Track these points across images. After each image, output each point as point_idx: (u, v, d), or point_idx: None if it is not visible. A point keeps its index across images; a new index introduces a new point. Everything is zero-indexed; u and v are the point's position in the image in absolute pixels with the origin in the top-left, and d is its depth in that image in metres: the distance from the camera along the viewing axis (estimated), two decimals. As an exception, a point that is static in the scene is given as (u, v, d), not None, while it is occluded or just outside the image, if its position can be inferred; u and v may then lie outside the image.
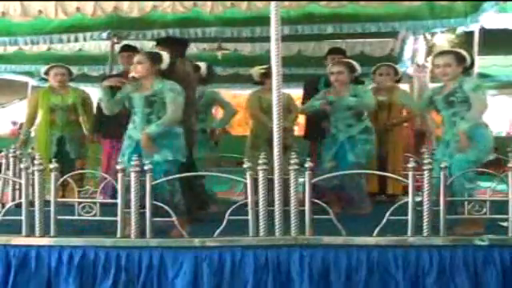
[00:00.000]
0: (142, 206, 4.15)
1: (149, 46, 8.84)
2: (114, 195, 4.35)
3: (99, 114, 6.26)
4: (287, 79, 6.26)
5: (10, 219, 4.30)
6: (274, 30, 4.24)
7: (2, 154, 5.93)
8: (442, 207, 4.15)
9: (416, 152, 6.15)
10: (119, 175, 4.17)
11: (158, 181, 4.27)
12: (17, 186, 5.24)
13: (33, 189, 4.22)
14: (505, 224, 4.21)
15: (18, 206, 4.34)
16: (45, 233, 4.19)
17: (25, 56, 9.05)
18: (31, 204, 4.21)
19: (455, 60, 4.69)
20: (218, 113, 7.64)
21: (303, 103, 6.63)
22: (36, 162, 4.22)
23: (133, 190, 4.13)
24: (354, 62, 5.97)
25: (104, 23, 6.97)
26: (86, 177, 6.30)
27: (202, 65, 6.15)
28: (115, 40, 7.30)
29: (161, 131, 4.58)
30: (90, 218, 4.28)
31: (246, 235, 4.14)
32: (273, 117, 4.25)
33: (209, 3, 6.16)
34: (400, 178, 4.78)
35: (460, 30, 7.11)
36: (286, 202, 4.16)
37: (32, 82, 10.56)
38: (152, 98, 4.68)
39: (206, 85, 6.22)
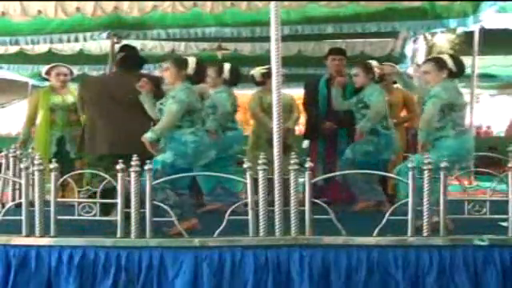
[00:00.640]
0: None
1: (149, 45, 8.90)
2: None
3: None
4: (287, 79, 6.30)
5: (10, 219, 4.30)
6: (273, 30, 4.24)
7: (2, 154, 5.93)
8: (441, 207, 4.15)
9: (416, 152, 6.14)
10: (119, 175, 4.17)
11: (157, 181, 4.27)
12: (17, 186, 5.25)
13: (33, 189, 4.22)
14: (505, 224, 4.21)
15: (18, 206, 4.34)
16: (45, 233, 4.19)
17: (25, 56, 9.05)
18: (31, 204, 4.20)
19: (435, 67, 4.77)
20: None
21: (304, 103, 6.65)
22: (36, 161, 4.22)
23: (133, 189, 4.13)
24: (373, 63, 5.98)
25: (104, 23, 6.97)
26: (85, 177, 6.29)
27: (226, 66, 6.10)
28: (115, 40, 7.30)
29: (155, 137, 4.63)
30: (89, 218, 4.28)
31: (245, 235, 4.13)
32: (273, 117, 4.25)
33: (209, 3, 6.16)
34: (400, 178, 4.77)
35: (460, 30, 7.11)
36: (285, 201, 4.16)
37: (32, 81, 10.56)
38: (160, 106, 4.72)
39: (230, 86, 6.16)
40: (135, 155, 4.18)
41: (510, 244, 4.12)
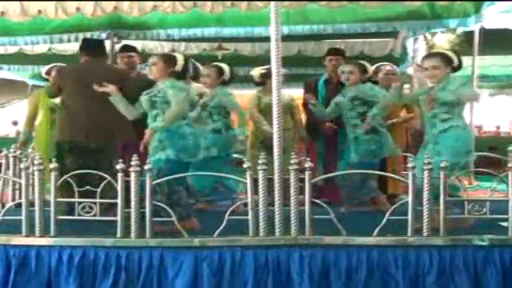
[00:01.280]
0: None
1: (149, 45, 8.90)
2: None
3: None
4: (288, 79, 6.31)
5: (10, 219, 4.30)
6: (274, 30, 4.24)
7: (2, 154, 5.93)
8: (441, 207, 4.14)
9: (416, 152, 6.15)
10: (119, 175, 4.16)
11: (157, 181, 4.27)
12: (17, 186, 5.24)
13: (33, 189, 4.21)
14: (505, 224, 4.20)
15: (18, 205, 4.34)
16: (45, 233, 4.18)
17: (25, 56, 9.06)
18: (31, 204, 4.20)
19: (442, 62, 4.75)
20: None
21: (303, 104, 6.64)
22: (36, 161, 4.22)
23: (133, 189, 4.13)
24: (367, 64, 5.98)
25: (104, 23, 6.98)
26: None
27: (226, 67, 6.11)
28: (115, 40, 7.30)
29: (166, 126, 4.60)
30: (89, 218, 4.28)
31: (245, 235, 4.13)
32: (272, 117, 4.25)
33: (209, 3, 6.16)
34: (400, 178, 4.77)
35: (460, 30, 7.11)
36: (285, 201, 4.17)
37: (32, 82, 10.56)
38: (154, 98, 4.69)
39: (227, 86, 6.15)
40: (135, 155, 4.19)
41: (510, 244, 4.12)
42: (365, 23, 6.99)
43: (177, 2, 6.14)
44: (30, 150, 6.01)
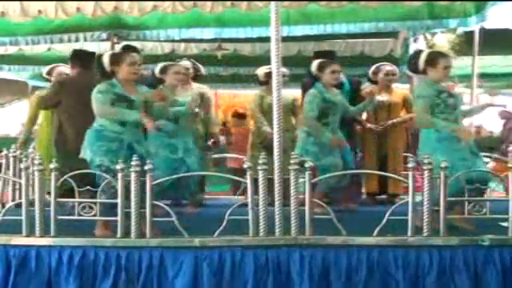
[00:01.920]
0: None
1: (149, 46, 8.90)
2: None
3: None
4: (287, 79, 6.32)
5: (10, 219, 4.30)
6: (274, 30, 4.24)
7: (2, 154, 5.94)
8: (441, 207, 4.14)
9: (416, 152, 6.15)
10: (119, 175, 4.16)
11: (157, 181, 4.27)
12: (17, 186, 5.24)
13: (33, 189, 4.21)
14: (505, 224, 4.20)
15: (18, 205, 4.34)
16: (45, 233, 4.19)
17: (25, 57, 9.07)
18: (31, 204, 4.20)
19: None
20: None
21: (302, 104, 6.64)
22: (36, 161, 4.22)
23: (133, 189, 4.13)
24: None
25: (104, 23, 6.98)
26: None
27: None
28: (115, 40, 7.30)
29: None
30: (90, 218, 4.28)
31: (245, 235, 4.14)
32: (273, 117, 4.25)
33: (209, 3, 6.16)
34: (400, 178, 4.77)
35: (460, 30, 7.12)
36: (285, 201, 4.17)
37: (32, 83, 10.57)
38: None
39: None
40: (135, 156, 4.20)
41: (510, 244, 4.12)
42: (365, 23, 6.98)
43: (177, 2, 6.15)
44: (30, 150, 6.02)
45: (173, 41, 8.56)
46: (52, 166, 4.22)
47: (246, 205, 4.17)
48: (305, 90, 6.54)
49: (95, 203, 4.26)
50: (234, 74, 10.71)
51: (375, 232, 4.12)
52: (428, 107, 4.60)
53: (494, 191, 4.57)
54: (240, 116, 9.56)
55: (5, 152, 5.83)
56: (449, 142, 4.55)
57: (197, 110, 5.82)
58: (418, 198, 4.19)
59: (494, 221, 4.28)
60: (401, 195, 6.15)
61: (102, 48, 8.44)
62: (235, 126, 9.61)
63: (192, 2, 6.16)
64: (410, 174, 4.15)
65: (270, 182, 4.13)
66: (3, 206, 4.87)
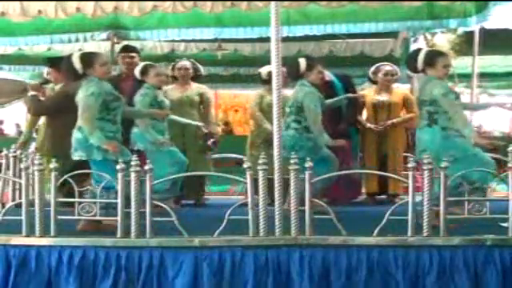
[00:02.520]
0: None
1: (149, 45, 8.91)
2: None
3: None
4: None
5: (10, 219, 4.30)
6: (274, 30, 4.24)
7: (2, 154, 5.93)
8: (441, 207, 4.14)
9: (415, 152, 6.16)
10: (119, 175, 4.16)
11: (157, 181, 4.28)
12: (17, 186, 5.24)
13: (33, 189, 4.21)
14: (505, 224, 4.20)
15: (18, 205, 4.34)
16: (45, 233, 4.18)
17: (25, 56, 9.08)
18: (31, 204, 4.20)
19: None
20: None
21: None
22: (36, 161, 4.22)
23: (133, 189, 4.13)
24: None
25: (104, 23, 6.98)
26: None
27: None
28: (115, 40, 7.30)
29: None
30: (89, 217, 4.28)
31: (245, 235, 4.13)
32: (273, 116, 4.25)
33: (209, 3, 6.16)
34: (400, 178, 4.77)
35: (460, 29, 7.12)
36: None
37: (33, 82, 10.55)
38: None
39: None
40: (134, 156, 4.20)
41: (510, 244, 4.12)
42: (365, 23, 6.98)
43: (177, 2, 6.16)
44: (30, 150, 6.01)
45: (173, 41, 8.56)
46: (52, 165, 4.22)
47: (246, 205, 4.17)
48: None
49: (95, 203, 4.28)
50: (234, 74, 10.73)
51: (375, 232, 4.12)
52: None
53: (495, 191, 4.56)
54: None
55: (5, 152, 5.83)
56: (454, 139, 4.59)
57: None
58: (418, 198, 4.19)
59: (494, 221, 4.28)
60: (401, 195, 6.16)
61: (102, 48, 8.50)
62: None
63: (192, 2, 6.16)
64: (410, 173, 4.14)
65: (269, 182, 4.14)
66: (3, 206, 4.86)
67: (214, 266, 4.04)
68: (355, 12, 6.79)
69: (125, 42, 7.19)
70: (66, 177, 4.36)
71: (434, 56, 4.76)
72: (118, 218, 4.17)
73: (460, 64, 8.48)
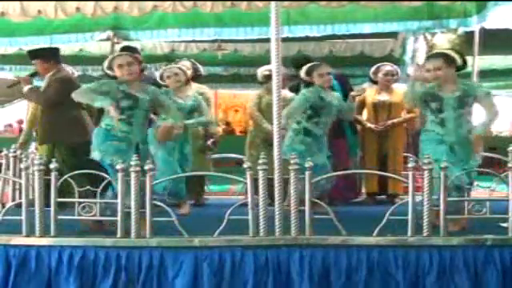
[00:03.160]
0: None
1: (149, 46, 8.90)
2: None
3: (101, 114, 6.27)
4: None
5: (10, 219, 4.30)
6: (274, 30, 4.24)
7: (2, 154, 5.93)
8: (441, 207, 4.14)
9: (416, 152, 6.16)
10: (119, 175, 4.16)
11: (158, 181, 4.28)
12: (17, 186, 5.24)
13: (33, 189, 4.21)
14: (505, 224, 4.20)
15: (18, 205, 4.33)
16: (45, 233, 4.18)
17: (25, 56, 9.06)
18: (31, 204, 4.20)
19: (445, 63, 4.70)
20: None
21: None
22: (36, 161, 4.22)
23: (133, 189, 4.13)
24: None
25: (104, 23, 6.97)
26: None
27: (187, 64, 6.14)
28: (115, 40, 7.29)
29: None
30: (89, 217, 4.28)
31: (245, 235, 4.13)
32: (273, 116, 4.25)
33: (209, 3, 6.16)
34: (400, 178, 4.77)
35: (460, 30, 7.12)
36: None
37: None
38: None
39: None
40: (135, 156, 4.21)
41: (510, 244, 4.12)
42: (365, 23, 6.98)
43: (177, 2, 6.15)
44: (30, 150, 6.01)
45: (173, 41, 8.56)
46: (52, 165, 4.22)
47: (246, 205, 4.17)
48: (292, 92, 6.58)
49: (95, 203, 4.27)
50: (234, 74, 10.72)
51: (375, 232, 4.12)
52: None
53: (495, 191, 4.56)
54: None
55: (5, 152, 5.82)
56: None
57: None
58: (418, 198, 4.19)
59: (494, 220, 4.29)
60: (401, 195, 6.16)
61: (103, 48, 8.50)
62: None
63: (192, 2, 6.16)
64: (410, 173, 4.14)
65: (269, 182, 4.14)
66: (3, 206, 4.86)
67: (214, 266, 4.04)
68: (355, 12, 6.78)
69: (125, 43, 7.19)
70: (65, 177, 4.36)
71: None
72: (118, 218, 4.17)
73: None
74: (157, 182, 4.31)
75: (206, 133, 6.35)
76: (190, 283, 4.03)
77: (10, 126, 15.04)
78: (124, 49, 6.61)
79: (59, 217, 4.21)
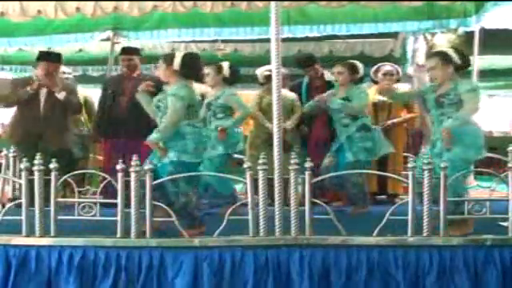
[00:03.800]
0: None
1: (149, 46, 8.90)
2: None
3: (101, 114, 6.27)
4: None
5: (10, 219, 4.30)
6: (274, 30, 4.24)
7: (2, 154, 5.93)
8: (441, 207, 4.14)
9: (416, 152, 6.15)
10: (119, 175, 4.16)
11: (157, 181, 4.27)
12: (17, 186, 5.24)
13: (33, 189, 4.21)
14: (505, 224, 4.20)
15: (18, 206, 4.33)
16: (45, 233, 4.18)
17: (25, 56, 9.06)
18: (31, 204, 4.20)
19: (441, 62, 4.68)
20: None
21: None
22: (36, 161, 4.22)
23: (133, 189, 4.13)
24: (357, 63, 5.97)
25: (104, 23, 6.97)
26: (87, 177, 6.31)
27: (225, 65, 6.09)
28: (115, 40, 7.29)
29: (161, 138, 4.53)
30: (89, 217, 4.27)
31: (245, 235, 4.13)
32: (273, 116, 4.25)
33: (209, 3, 6.16)
34: (400, 178, 4.77)
35: (460, 30, 7.12)
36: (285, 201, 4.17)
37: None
38: (158, 103, 4.67)
39: (230, 85, 6.03)
40: (135, 156, 4.21)
41: (510, 244, 4.12)
42: (365, 23, 6.99)
43: (177, 2, 6.15)
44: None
45: (173, 41, 8.55)
46: (52, 165, 4.22)
47: (246, 205, 4.17)
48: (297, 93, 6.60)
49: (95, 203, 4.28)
50: (234, 74, 10.71)
51: (375, 232, 4.12)
52: None
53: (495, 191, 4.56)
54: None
55: (5, 152, 5.83)
56: None
57: None
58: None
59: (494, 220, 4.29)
60: (401, 195, 6.15)
61: (103, 48, 8.49)
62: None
63: (192, 2, 6.16)
64: (410, 173, 4.14)
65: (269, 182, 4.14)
66: (3, 206, 4.86)
67: (214, 266, 4.04)
68: (355, 12, 6.78)
69: (125, 43, 7.19)
70: (65, 177, 4.36)
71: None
72: (118, 218, 4.17)
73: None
74: (156, 181, 4.30)
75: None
76: (190, 283, 4.03)
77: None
78: (123, 50, 6.61)
79: (59, 217, 4.21)
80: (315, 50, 9.01)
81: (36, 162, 4.22)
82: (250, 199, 4.14)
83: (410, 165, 4.17)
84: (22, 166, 4.30)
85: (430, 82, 4.87)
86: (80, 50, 8.91)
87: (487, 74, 10.38)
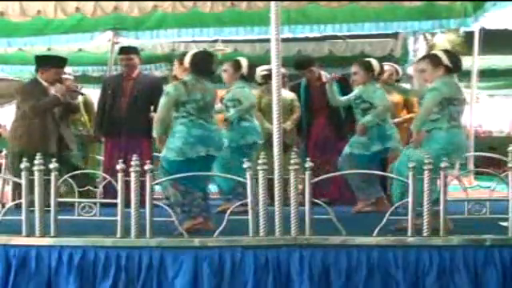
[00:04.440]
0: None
1: (149, 46, 8.90)
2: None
3: (101, 114, 6.28)
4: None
5: (10, 219, 4.30)
6: (274, 30, 4.24)
7: (2, 154, 5.94)
8: (441, 207, 4.14)
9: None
10: (119, 175, 4.16)
11: (157, 181, 4.28)
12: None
13: (33, 189, 4.21)
14: (505, 224, 4.20)
15: (18, 206, 4.33)
16: (45, 233, 4.18)
17: (25, 56, 9.07)
18: (31, 204, 4.20)
19: (430, 64, 4.67)
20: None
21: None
22: (36, 161, 4.21)
23: (133, 189, 4.13)
24: (372, 60, 5.99)
25: (104, 23, 6.98)
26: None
27: (243, 61, 6.08)
28: (115, 40, 7.30)
29: (154, 133, 4.76)
30: (90, 217, 4.27)
31: (246, 235, 4.13)
32: (272, 116, 4.25)
33: (209, 3, 6.17)
34: (400, 178, 4.76)
35: (460, 30, 7.13)
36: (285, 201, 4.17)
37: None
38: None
39: (248, 82, 6.08)
40: (135, 156, 4.21)
41: (510, 244, 4.12)
42: (365, 23, 6.99)
43: (177, 2, 6.16)
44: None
45: (173, 41, 8.56)
46: (52, 165, 4.22)
47: (246, 205, 4.17)
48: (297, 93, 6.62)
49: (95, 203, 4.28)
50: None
51: (375, 232, 4.12)
52: None
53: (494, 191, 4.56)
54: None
55: (5, 152, 5.82)
56: None
57: None
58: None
59: (493, 221, 4.29)
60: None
61: (102, 48, 8.50)
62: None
63: (192, 2, 6.17)
64: (411, 174, 4.14)
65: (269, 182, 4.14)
66: (3, 206, 4.86)
67: (214, 266, 4.04)
68: (355, 12, 6.79)
69: (125, 43, 7.19)
70: (65, 177, 4.36)
71: None
72: (118, 218, 4.17)
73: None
74: (156, 181, 4.30)
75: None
76: (190, 283, 4.03)
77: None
78: (122, 50, 6.62)
79: (59, 217, 4.21)
80: (315, 50, 9.03)
81: (36, 162, 4.22)
82: (249, 199, 4.13)
83: (410, 165, 4.17)
84: (22, 165, 4.30)
85: (420, 85, 4.90)
86: (80, 50, 8.92)
87: (487, 74, 10.40)
